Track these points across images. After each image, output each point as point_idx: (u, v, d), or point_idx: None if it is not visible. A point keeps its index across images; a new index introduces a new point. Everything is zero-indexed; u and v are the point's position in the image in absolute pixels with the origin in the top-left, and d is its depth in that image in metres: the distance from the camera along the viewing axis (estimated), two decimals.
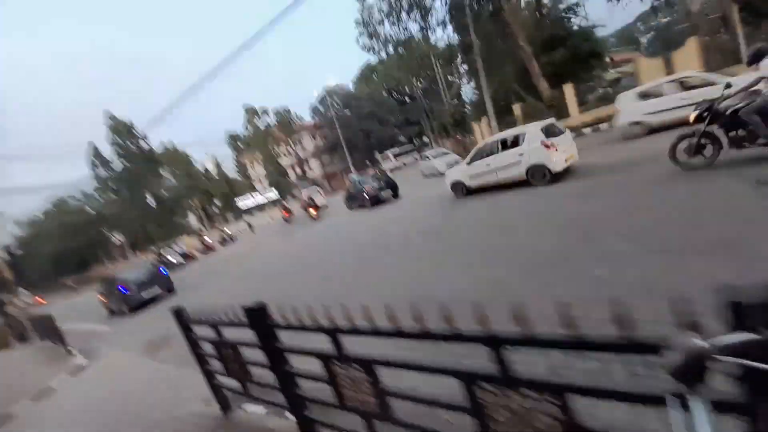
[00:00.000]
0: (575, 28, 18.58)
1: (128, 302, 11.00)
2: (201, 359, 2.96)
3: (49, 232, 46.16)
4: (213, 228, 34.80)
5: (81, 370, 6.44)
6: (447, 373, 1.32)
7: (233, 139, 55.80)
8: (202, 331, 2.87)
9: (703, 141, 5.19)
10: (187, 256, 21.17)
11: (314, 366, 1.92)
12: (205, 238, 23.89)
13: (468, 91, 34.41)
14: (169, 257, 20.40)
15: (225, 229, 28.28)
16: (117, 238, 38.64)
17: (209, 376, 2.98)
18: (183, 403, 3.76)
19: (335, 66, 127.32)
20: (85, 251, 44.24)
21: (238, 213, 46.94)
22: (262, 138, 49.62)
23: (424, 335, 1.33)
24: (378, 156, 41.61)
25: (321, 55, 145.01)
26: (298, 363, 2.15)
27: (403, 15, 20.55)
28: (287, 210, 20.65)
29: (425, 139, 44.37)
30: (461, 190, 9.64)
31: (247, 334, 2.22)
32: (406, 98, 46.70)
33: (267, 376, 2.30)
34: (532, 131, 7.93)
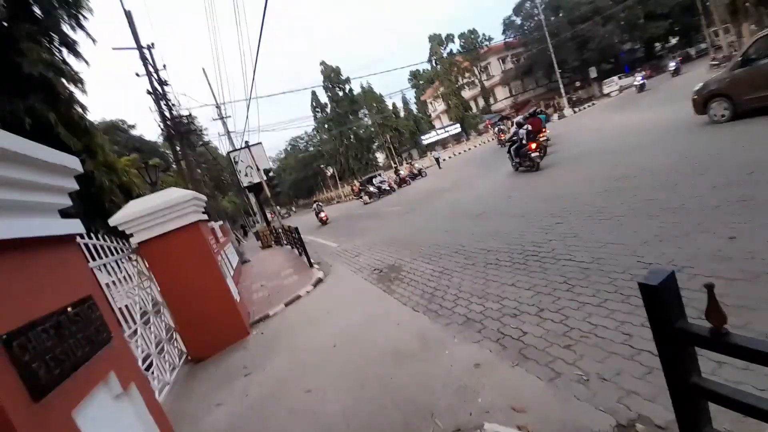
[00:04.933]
0: None
1: None
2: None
3: (289, 165, 60.97)
4: (402, 163, 36.37)
5: (320, 283, 6.48)
6: None
7: (414, 77, 55.16)
8: None
9: None
10: (384, 188, 22.18)
11: None
12: (401, 172, 24.47)
13: None
14: (375, 184, 21.95)
15: (414, 163, 28.52)
16: (329, 170, 46.39)
17: None
18: (481, 406, 2.10)
19: None
20: (311, 180, 56.05)
21: (422, 149, 47.68)
22: (445, 70, 46.57)
23: None
24: (594, 73, 31.75)
25: None
26: None
27: None
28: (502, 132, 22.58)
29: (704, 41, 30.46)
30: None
31: None
32: None
33: None
34: None
